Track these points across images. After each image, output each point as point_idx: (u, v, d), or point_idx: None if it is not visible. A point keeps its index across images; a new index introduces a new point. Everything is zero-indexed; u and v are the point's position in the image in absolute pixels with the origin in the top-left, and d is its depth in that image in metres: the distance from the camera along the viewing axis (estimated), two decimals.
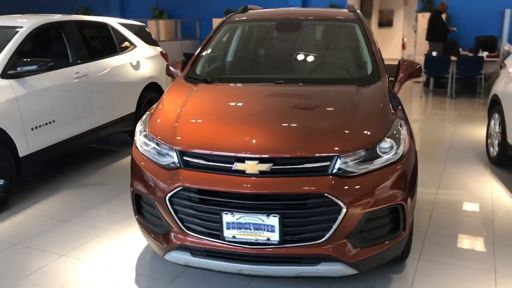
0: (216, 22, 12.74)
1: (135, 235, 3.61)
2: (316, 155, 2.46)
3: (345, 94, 3.02)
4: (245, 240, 2.48)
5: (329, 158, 2.45)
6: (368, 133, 2.62)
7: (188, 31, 14.93)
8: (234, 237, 2.49)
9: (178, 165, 2.62)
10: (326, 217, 2.43)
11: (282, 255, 2.49)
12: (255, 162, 2.44)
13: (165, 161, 2.68)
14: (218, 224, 2.50)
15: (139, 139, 2.92)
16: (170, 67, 3.87)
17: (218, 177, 2.51)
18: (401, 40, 18.78)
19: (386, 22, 18.27)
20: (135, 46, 6.25)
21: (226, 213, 2.46)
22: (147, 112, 3.15)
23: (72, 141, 4.92)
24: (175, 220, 2.60)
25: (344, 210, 2.39)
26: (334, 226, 2.42)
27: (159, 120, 2.93)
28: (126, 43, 6.16)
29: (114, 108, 5.64)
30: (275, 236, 2.44)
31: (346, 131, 2.60)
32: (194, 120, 2.86)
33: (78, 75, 4.98)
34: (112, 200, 4.37)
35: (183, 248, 2.63)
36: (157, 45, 6.95)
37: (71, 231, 3.75)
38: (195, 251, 2.62)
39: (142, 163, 2.80)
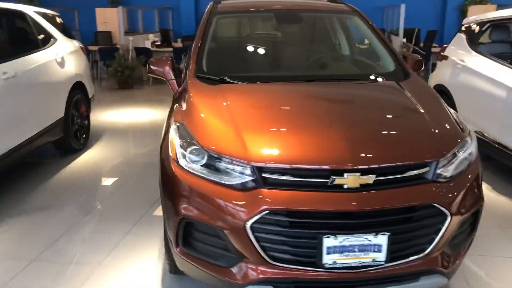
0: (100, 12, 11.57)
1: (139, 267, 3.02)
2: (418, 161, 2.24)
3: (396, 91, 2.84)
4: (348, 265, 2.16)
5: (429, 164, 2.25)
6: (452, 132, 2.48)
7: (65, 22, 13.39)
8: (334, 262, 2.15)
9: (256, 184, 2.18)
10: (431, 229, 2.23)
11: (385, 276, 2.23)
12: (357, 174, 2.13)
13: (235, 180, 2.21)
14: (314, 250, 2.14)
15: (183, 154, 2.37)
16: (153, 66, 3.29)
17: (312, 195, 2.13)
18: None
19: None
20: (55, 40, 5.30)
21: (328, 237, 2.11)
22: (177, 122, 2.57)
23: (5, 158, 3.96)
24: (255, 249, 2.16)
25: (448, 219, 2.22)
26: (438, 237, 2.24)
27: (210, 131, 2.41)
28: (45, 36, 5.18)
29: (45, 114, 4.71)
30: (381, 256, 2.17)
31: (436, 132, 2.42)
32: (262, 129, 2.40)
33: (7, 75, 4.01)
34: (79, 226, 3.62)
35: (264, 282, 2.21)
36: (74, 38, 6.01)
37: (49, 273, 2.98)
38: (280, 284, 2.22)
39: (197, 184, 2.28)
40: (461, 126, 2.55)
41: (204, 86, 2.86)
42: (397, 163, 2.20)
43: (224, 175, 2.24)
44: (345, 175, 2.13)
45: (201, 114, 2.55)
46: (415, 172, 2.22)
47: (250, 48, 3.66)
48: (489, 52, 4.87)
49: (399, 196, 2.17)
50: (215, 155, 2.28)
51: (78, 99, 5.51)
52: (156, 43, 11.59)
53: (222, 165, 2.26)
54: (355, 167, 2.14)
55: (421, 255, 2.25)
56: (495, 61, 4.56)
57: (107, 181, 4.61)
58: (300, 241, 2.15)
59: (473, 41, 5.12)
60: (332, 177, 2.13)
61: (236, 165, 2.22)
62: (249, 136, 2.29)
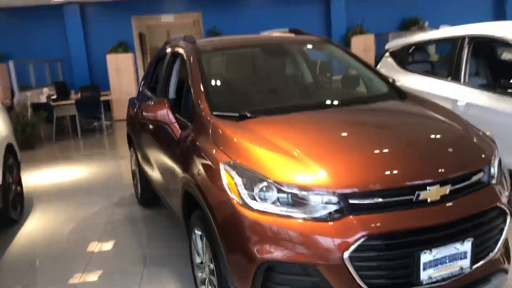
0: None
1: None
2: (478, 167, 2.37)
3: (416, 109, 2.99)
4: (441, 277, 2.18)
5: (484, 169, 2.40)
6: (486, 138, 2.67)
7: None
8: (430, 277, 2.15)
9: (343, 212, 2.11)
10: (497, 229, 2.35)
11: (470, 282, 2.29)
12: (437, 186, 2.18)
13: (320, 211, 2.12)
14: (409, 269, 2.12)
15: (251, 194, 2.21)
16: (149, 112, 3.09)
17: (402, 214, 2.13)
18: None
19: None
20: None
21: (425, 252, 2.11)
22: (226, 163, 2.38)
23: None
24: (353, 280, 2.08)
25: (509, 217, 2.37)
26: (502, 236, 2.37)
27: (275, 165, 2.28)
28: None
29: None
30: (466, 263, 2.23)
31: (476, 140, 2.59)
32: (333, 156, 2.33)
33: None
34: None
35: None
36: None
37: None
38: None
39: (275, 223, 2.14)
40: (484, 132, 2.77)
41: (231, 123, 2.72)
42: (465, 171, 2.31)
43: (303, 207, 2.14)
44: (428, 188, 2.16)
45: (254, 149, 2.41)
46: (476, 177, 2.35)
47: (252, 83, 3.59)
48: (415, 70, 5.39)
49: (473, 202, 2.27)
50: (289, 188, 2.16)
51: (11, 163, 4.85)
52: (52, 97, 10.74)
53: (299, 197, 2.15)
54: (436, 180, 2.19)
55: (491, 256, 2.36)
56: (430, 76, 5.06)
57: (74, 253, 4.07)
58: (397, 262, 2.12)
59: (403, 62, 5.63)
60: (417, 192, 2.15)
61: (318, 195, 2.13)
62: (324, 164, 2.22)
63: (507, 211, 2.37)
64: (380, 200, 2.14)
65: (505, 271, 2.46)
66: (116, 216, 4.81)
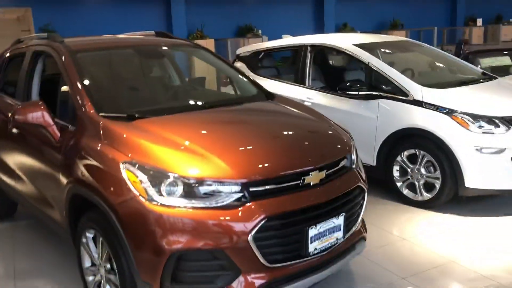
0: None
1: None
2: (343, 155, 2.84)
3: (282, 107, 3.37)
4: (323, 248, 2.59)
5: (347, 156, 2.89)
6: (345, 131, 3.18)
7: None
8: (315, 249, 2.54)
9: (244, 199, 2.36)
10: (358, 205, 2.86)
11: (341, 251, 2.75)
12: (317, 172, 2.59)
13: (224, 200, 2.34)
14: (299, 243, 2.49)
15: (157, 190, 2.32)
16: (23, 115, 2.93)
17: (292, 196, 2.47)
18: None
19: None
20: None
21: (312, 227, 2.49)
22: (127, 162, 2.43)
23: None
24: (257, 258, 2.35)
25: (366, 195, 2.92)
26: (363, 210, 2.91)
27: (175, 161, 2.40)
28: None
29: None
30: (340, 234, 2.68)
31: (339, 132, 3.07)
32: (230, 150, 2.53)
33: None
34: None
35: (264, 286, 2.41)
36: None
37: None
38: (277, 283, 2.45)
39: (184, 215, 2.29)
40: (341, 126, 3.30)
41: (123, 123, 2.75)
42: (335, 159, 2.77)
43: (209, 198, 2.34)
44: (310, 173, 2.55)
45: (154, 147, 2.50)
46: (342, 163, 2.83)
47: (131, 84, 3.57)
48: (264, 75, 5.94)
49: (342, 183, 2.74)
50: (195, 181, 2.34)
51: None
52: None
53: (205, 189, 2.35)
54: (315, 166, 2.59)
55: (356, 227, 2.87)
56: (278, 80, 5.65)
57: None
58: (290, 238, 2.46)
59: (253, 67, 6.12)
60: (302, 177, 2.52)
61: (221, 186, 2.35)
62: (225, 158, 2.44)
63: (365, 189, 2.91)
64: (274, 186, 2.45)
65: (365, 239, 3.00)
66: None
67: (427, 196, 4.34)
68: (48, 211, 3.24)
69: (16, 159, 3.62)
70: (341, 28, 15.66)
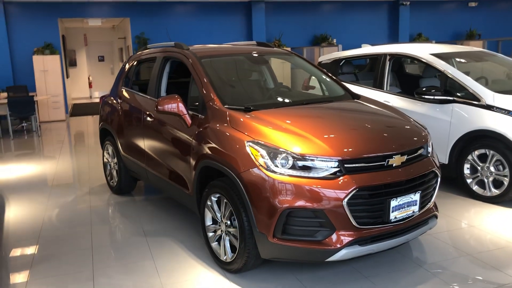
0: None
1: None
2: (422, 144, 3.45)
3: (370, 105, 4.01)
4: (402, 218, 3.20)
5: (424, 146, 3.49)
6: (420, 124, 3.78)
7: None
8: (395, 217, 3.16)
9: (340, 173, 3.04)
10: (433, 187, 3.45)
11: (416, 222, 3.34)
12: (399, 156, 3.21)
13: (324, 172, 3.03)
14: (382, 211, 3.12)
15: (275, 162, 3.05)
16: (164, 105, 3.79)
17: (378, 173, 3.12)
18: (87, 79, 19.16)
19: (70, 62, 18.17)
20: None
21: (393, 199, 3.12)
22: (250, 141, 3.20)
23: None
24: (348, 219, 3.01)
25: (439, 179, 3.49)
26: (435, 192, 3.48)
27: (288, 141, 3.14)
28: None
29: None
30: (416, 208, 3.28)
31: (417, 126, 3.68)
32: (330, 134, 3.25)
33: None
34: None
35: (353, 242, 3.06)
36: None
37: None
38: (363, 242, 3.10)
39: (294, 182, 3.01)
40: (419, 122, 3.89)
41: (242, 113, 3.53)
42: (414, 147, 3.37)
43: (313, 170, 3.04)
44: (393, 157, 3.19)
45: (270, 131, 3.25)
46: (420, 151, 3.43)
47: (243, 84, 4.40)
48: (344, 80, 6.56)
49: (420, 167, 3.33)
50: (302, 157, 3.05)
51: None
52: None
53: (309, 163, 3.05)
54: (398, 151, 3.22)
55: (429, 205, 3.45)
56: (357, 85, 6.25)
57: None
58: (375, 207, 3.10)
59: (334, 73, 6.78)
60: (387, 159, 3.16)
61: (323, 161, 3.05)
62: (326, 141, 3.14)
63: (438, 174, 3.48)
64: (364, 164, 3.11)
65: (436, 217, 3.57)
66: (99, 202, 5.31)
67: (495, 192, 4.77)
68: (177, 183, 4.08)
69: (149, 143, 4.53)
70: (416, 38, 15.89)
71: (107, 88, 18.88)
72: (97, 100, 17.79)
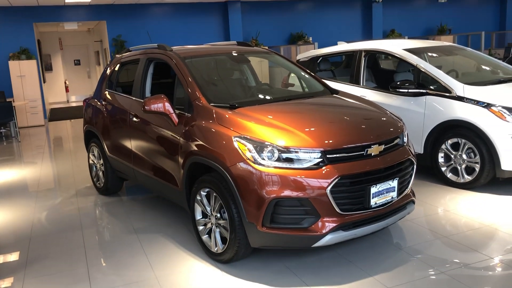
0: None
1: None
2: (398, 134, 3.66)
3: (347, 100, 4.21)
4: (381, 203, 3.41)
5: (400, 135, 3.70)
6: (396, 116, 4.00)
7: None
8: (375, 203, 3.37)
9: (323, 163, 3.23)
10: (409, 174, 3.67)
11: (395, 208, 3.56)
12: (377, 145, 3.42)
13: (308, 163, 3.21)
14: (363, 198, 3.32)
15: (260, 155, 3.22)
16: (150, 105, 3.91)
17: (359, 162, 3.31)
18: (64, 83, 19.00)
19: (46, 66, 18.00)
20: None
21: (373, 186, 3.32)
22: (237, 137, 3.35)
23: None
24: (332, 206, 3.20)
25: (414, 166, 3.71)
26: (412, 178, 3.71)
27: (273, 135, 3.30)
28: None
29: None
30: (394, 194, 3.49)
31: (394, 117, 3.89)
32: (312, 127, 3.42)
33: None
34: None
35: (337, 228, 3.25)
36: None
37: None
38: (346, 227, 3.29)
39: (280, 173, 3.18)
40: (395, 113, 4.10)
41: (227, 110, 3.69)
42: (391, 137, 3.59)
43: (297, 161, 3.22)
44: (372, 146, 3.39)
45: (256, 126, 3.42)
46: (396, 141, 3.65)
47: (226, 82, 4.55)
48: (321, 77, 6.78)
49: (396, 155, 3.55)
50: (286, 149, 3.22)
51: None
52: None
53: (294, 155, 3.23)
54: (376, 141, 3.42)
55: (406, 191, 3.67)
56: (335, 81, 6.48)
57: None
58: (356, 193, 3.30)
59: (312, 70, 6.99)
60: (366, 149, 3.37)
61: (307, 153, 3.23)
62: (307, 133, 3.33)
63: (414, 162, 3.71)
64: (345, 154, 3.31)
65: (414, 202, 3.79)
66: (87, 203, 5.40)
67: (468, 178, 5.04)
68: (166, 180, 4.21)
69: (136, 142, 4.64)
70: (389, 34, 16.28)
71: (84, 92, 19.00)
72: (74, 105, 17.70)
